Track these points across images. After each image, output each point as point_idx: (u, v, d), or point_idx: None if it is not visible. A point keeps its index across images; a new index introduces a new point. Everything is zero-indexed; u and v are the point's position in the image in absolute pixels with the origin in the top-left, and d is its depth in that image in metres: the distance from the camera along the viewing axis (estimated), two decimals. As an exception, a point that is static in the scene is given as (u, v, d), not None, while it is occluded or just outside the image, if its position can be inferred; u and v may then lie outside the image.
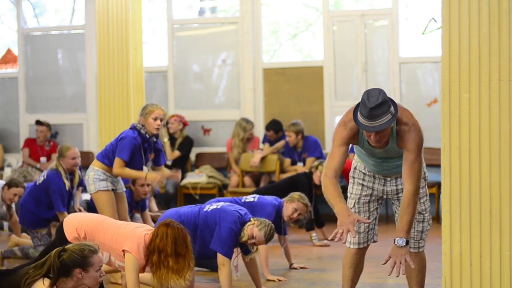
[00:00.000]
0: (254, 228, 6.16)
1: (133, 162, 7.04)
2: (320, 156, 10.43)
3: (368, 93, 4.70)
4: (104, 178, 7.08)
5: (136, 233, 5.38)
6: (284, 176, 10.42)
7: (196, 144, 11.38)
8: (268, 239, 6.20)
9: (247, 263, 6.45)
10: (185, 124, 11.17)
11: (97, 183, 7.03)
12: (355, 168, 5.31)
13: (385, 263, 4.76)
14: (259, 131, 11.30)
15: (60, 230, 5.61)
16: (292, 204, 7.27)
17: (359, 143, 4.99)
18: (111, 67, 8.89)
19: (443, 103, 5.01)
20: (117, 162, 6.96)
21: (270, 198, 7.37)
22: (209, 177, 10.91)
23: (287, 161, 10.61)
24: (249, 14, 11.39)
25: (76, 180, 7.87)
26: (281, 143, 10.68)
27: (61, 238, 5.52)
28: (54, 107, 12.11)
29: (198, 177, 10.90)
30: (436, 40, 10.46)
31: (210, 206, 6.39)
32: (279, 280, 7.00)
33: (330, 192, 4.76)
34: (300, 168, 10.42)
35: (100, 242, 5.32)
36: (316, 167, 9.11)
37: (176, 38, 11.79)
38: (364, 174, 5.24)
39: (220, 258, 6.15)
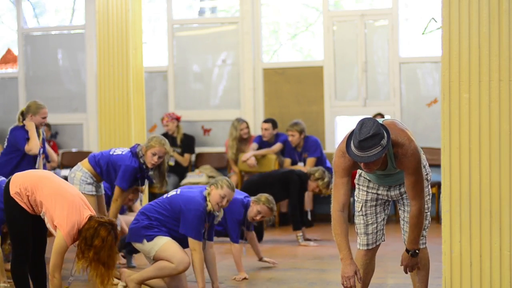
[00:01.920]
0: (214, 191, 6.26)
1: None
2: (321, 156, 10.43)
3: (362, 124, 4.70)
4: (91, 182, 7.12)
5: (74, 217, 5.37)
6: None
7: (196, 144, 11.39)
8: (233, 188, 6.34)
9: (206, 255, 6.50)
10: (177, 119, 11.20)
11: (83, 186, 7.06)
12: (360, 175, 5.32)
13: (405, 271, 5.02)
14: (259, 132, 11.29)
15: (6, 186, 5.59)
16: (257, 206, 7.25)
17: (359, 168, 5.03)
18: (111, 67, 8.88)
19: (443, 103, 5.01)
20: (118, 191, 7.06)
21: (240, 196, 7.34)
22: (209, 177, 10.91)
23: (287, 161, 10.60)
24: (249, 14, 11.39)
25: (40, 137, 7.92)
26: (277, 146, 10.66)
27: (6, 193, 5.52)
28: (54, 107, 12.09)
29: (198, 177, 10.90)
30: (436, 40, 10.47)
31: (169, 193, 6.48)
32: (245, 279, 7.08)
33: (337, 232, 4.89)
34: (300, 168, 10.41)
35: (39, 201, 5.38)
36: (316, 179, 9.02)
37: (176, 38, 11.79)
38: (369, 181, 5.26)
39: (191, 242, 6.21)
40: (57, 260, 5.35)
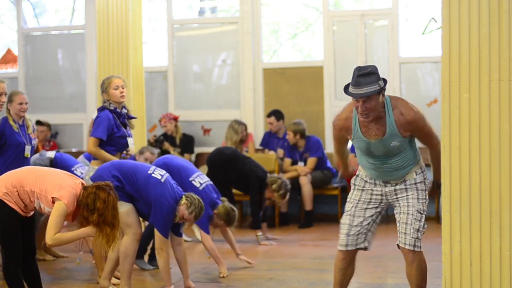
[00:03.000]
0: (185, 211, 6.28)
1: (116, 141, 6.88)
2: (322, 156, 10.45)
3: (359, 67, 5.00)
4: None
5: (67, 182, 5.39)
6: (284, 176, 10.43)
7: (196, 144, 11.39)
8: (196, 218, 6.37)
9: (176, 252, 6.51)
10: (175, 118, 11.21)
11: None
12: (357, 176, 5.33)
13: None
14: (259, 131, 11.30)
15: None
16: (218, 219, 7.28)
17: (353, 133, 5.13)
18: (111, 67, 8.88)
19: (443, 103, 5.01)
20: (92, 141, 6.78)
21: (212, 196, 7.37)
22: (209, 177, 10.92)
23: (288, 161, 10.61)
24: (249, 14, 11.39)
25: (30, 128, 7.67)
26: (312, 161, 10.59)
27: None
28: (54, 107, 12.11)
29: (198, 177, 10.89)
30: (436, 40, 10.46)
31: (155, 170, 6.40)
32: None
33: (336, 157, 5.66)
34: (300, 168, 10.43)
35: (30, 190, 5.36)
36: (272, 190, 8.87)
37: (176, 38, 11.79)
38: (365, 182, 5.27)
39: (159, 241, 6.23)
40: (56, 220, 5.28)
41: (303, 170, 10.39)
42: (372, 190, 5.25)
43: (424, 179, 5.23)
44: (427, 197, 5.25)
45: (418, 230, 5.16)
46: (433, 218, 10.39)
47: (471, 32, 4.95)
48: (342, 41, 11.17)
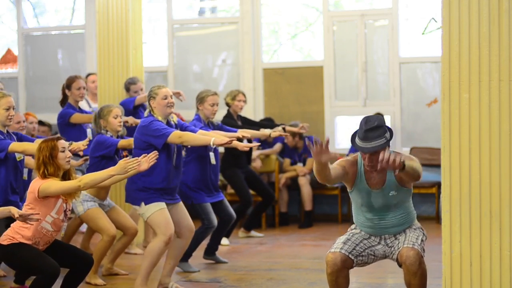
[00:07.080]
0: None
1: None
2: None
3: (366, 118, 4.97)
4: (92, 200, 6.90)
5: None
6: (284, 176, 10.44)
7: (196, 144, 11.38)
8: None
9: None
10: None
11: (85, 204, 6.77)
12: (353, 229, 5.23)
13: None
14: (259, 131, 11.30)
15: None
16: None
17: (356, 179, 5.06)
18: (111, 67, 8.88)
19: (443, 103, 5.01)
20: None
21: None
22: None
23: (287, 161, 10.62)
24: (249, 14, 11.39)
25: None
26: (278, 146, 10.66)
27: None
28: (54, 107, 12.07)
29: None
30: (436, 40, 10.47)
31: None
32: None
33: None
34: (299, 168, 10.43)
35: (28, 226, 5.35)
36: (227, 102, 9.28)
37: (176, 38, 11.79)
38: (362, 240, 5.18)
39: None
40: (60, 184, 5.36)
41: (302, 170, 10.40)
42: (369, 237, 5.19)
43: (422, 230, 5.17)
44: (425, 239, 5.14)
45: (417, 239, 5.06)
46: (433, 218, 10.39)
47: (471, 32, 4.95)
48: (342, 41, 11.18)
